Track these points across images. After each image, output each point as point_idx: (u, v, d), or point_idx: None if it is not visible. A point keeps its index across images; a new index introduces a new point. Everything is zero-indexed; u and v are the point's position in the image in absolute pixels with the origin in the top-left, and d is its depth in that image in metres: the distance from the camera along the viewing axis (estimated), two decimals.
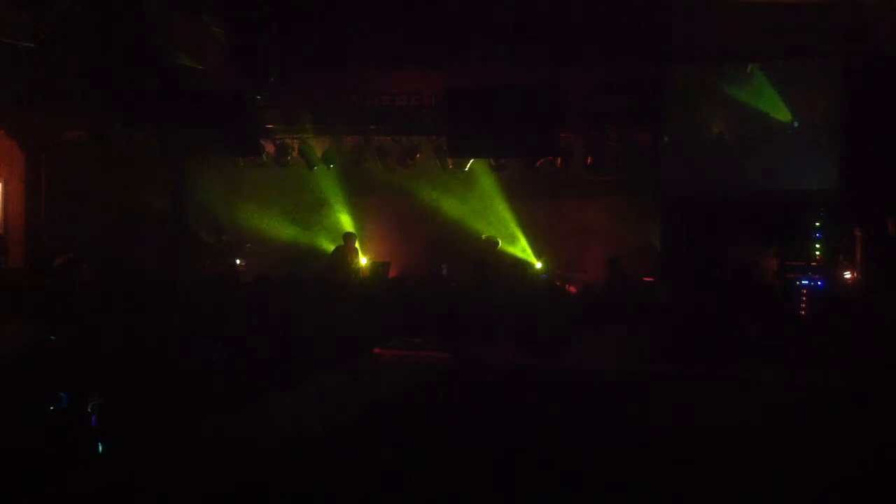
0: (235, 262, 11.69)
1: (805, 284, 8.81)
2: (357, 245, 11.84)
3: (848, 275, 9.10)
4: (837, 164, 8.94)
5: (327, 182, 11.95)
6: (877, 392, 6.15)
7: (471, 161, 11.25)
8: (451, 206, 12.28)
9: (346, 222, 12.88)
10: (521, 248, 12.26)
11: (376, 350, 7.32)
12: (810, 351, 7.59)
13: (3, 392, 4.38)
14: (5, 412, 4.20)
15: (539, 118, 9.47)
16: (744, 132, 9.30)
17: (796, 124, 9.14)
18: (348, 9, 9.60)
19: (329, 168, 11.38)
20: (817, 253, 9.05)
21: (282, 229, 13.04)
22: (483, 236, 11.71)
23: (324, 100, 10.69)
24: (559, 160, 10.64)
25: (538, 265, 11.84)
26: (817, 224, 9.11)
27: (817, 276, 8.88)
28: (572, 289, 9.92)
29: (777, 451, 4.62)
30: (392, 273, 11.05)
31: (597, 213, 12.25)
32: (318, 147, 11.25)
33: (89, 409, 4.37)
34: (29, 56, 8.61)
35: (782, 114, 9.16)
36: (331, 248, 12.41)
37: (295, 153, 11.25)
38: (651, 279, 10.54)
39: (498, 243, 11.50)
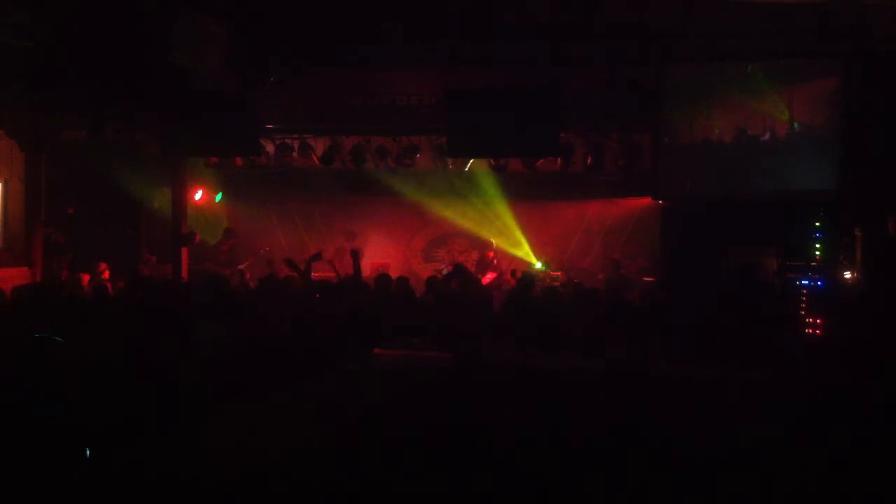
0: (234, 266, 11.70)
1: (805, 284, 8.82)
2: (356, 244, 11.85)
3: (848, 275, 9.11)
4: (837, 164, 8.93)
5: (327, 182, 11.99)
6: (877, 392, 6.15)
7: (471, 161, 11.26)
8: (451, 206, 12.31)
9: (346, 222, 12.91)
10: (522, 249, 12.28)
11: (376, 350, 7.32)
12: (810, 351, 7.59)
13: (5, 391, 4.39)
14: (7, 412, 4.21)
15: (539, 118, 9.47)
16: (744, 132, 9.31)
17: (796, 124, 9.15)
18: (348, 8, 9.60)
19: (329, 168, 11.40)
20: (817, 253, 9.05)
21: (281, 230, 13.07)
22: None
23: (324, 100, 10.70)
24: (559, 160, 10.65)
25: (538, 265, 11.86)
26: (817, 224, 9.11)
27: (817, 276, 8.88)
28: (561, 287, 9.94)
29: (777, 452, 4.62)
30: (392, 273, 11.08)
31: (597, 213, 12.28)
32: (318, 147, 11.27)
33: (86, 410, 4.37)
34: (29, 56, 8.60)
35: (782, 114, 9.16)
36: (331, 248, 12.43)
37: (295, 153, 11.26)
38: (651, 279, 10.56)
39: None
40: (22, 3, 8.30)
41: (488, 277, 11.48)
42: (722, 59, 9.38)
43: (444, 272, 11.04)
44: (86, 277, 9.29)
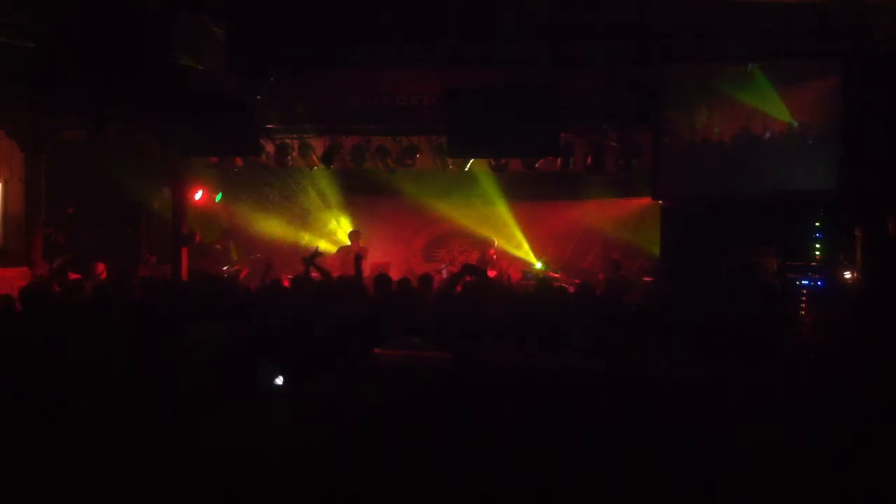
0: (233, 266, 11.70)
1: (805, 284, 8.82)
2: (362, 243, 11.86)
3: (848, 275, 9.11)
4: (837, 164, 8.94)
5: (327, 182, 11.99)
6: (877, 392, 6.15)
7: (471, 161, 11.26)
8: (451, 207, 12.31)
9: (346, 223, 12.91)
10: (522, 249, 12.27)
11: (376, 350, 7.32)
12: (810, 351, 7.59)
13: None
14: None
15: (539, 118, 9.48)
16: (744, 132, 9.31)
17: (796, 124, 9.15)
18: (348, 8, 9.60)
19: (329, 168, 11.40)
20: (817, 253, 9.05)
21: (281, 230, 13.07)
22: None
23: (324, 100, 10.70)
24: (559, 160, 10.65)
25: (538, 265, 11.86)
26: (817, 224, 9.11)
27: (817, 276, 8.88)
28: (570, 289, 9.93)
29: (777, 452, 4.62)
30: (392, 273, 11.07)
31: (597, 213, 12.27)
32: (318, 147, 11.27)
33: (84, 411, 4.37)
34: (29, 56, 8.61)
35: (782, 114, 9.16)
36: (332, 248, 12.43)
37: (295, 153, 11.26)
38: (651, 279, 10.56)
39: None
40: (22, 3, 8.30)
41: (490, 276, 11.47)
42: (722, 59, 9.38)
43: (445, 272, 11.04)
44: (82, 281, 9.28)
